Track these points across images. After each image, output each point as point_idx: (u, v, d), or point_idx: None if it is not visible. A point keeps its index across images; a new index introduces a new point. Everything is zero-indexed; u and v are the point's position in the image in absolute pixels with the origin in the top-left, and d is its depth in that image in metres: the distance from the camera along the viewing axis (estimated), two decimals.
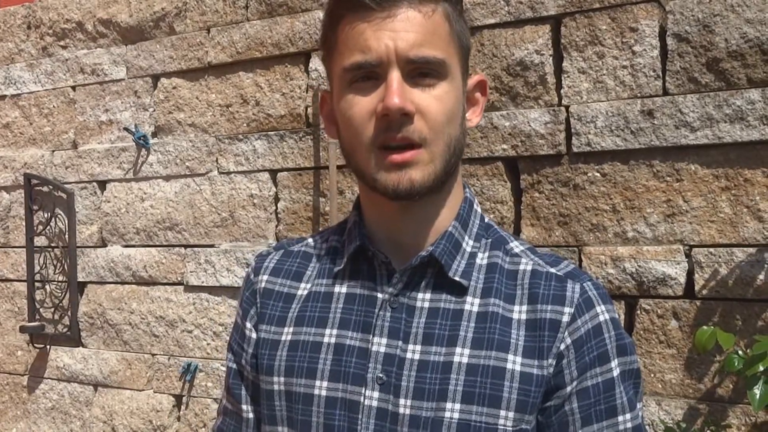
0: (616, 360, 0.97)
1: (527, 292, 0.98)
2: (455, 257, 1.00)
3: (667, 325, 2.39)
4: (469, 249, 1.01)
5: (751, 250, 2.26)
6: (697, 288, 2.35)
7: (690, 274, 2.36)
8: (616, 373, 0.97)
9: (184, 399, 3.38)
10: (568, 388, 0.95)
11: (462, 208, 1.03)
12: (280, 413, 1.02)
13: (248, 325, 1.08)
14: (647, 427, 2.39)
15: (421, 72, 0.93)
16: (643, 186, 2.43)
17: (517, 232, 2.64)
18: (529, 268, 1.01)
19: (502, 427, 0.93)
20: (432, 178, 0.95)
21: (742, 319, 2.27)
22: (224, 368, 1.14)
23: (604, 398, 0.96)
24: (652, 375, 2.41)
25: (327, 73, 1.04)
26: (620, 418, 0.96)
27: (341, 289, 1.03)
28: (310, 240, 1.12)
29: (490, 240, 1.04)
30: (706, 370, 2.33)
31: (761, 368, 1.99)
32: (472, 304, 0.98)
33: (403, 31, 0.91)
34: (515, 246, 1.04)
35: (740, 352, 2.12)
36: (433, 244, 1.00)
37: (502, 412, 0.93)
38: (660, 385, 2.39)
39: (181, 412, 3.40)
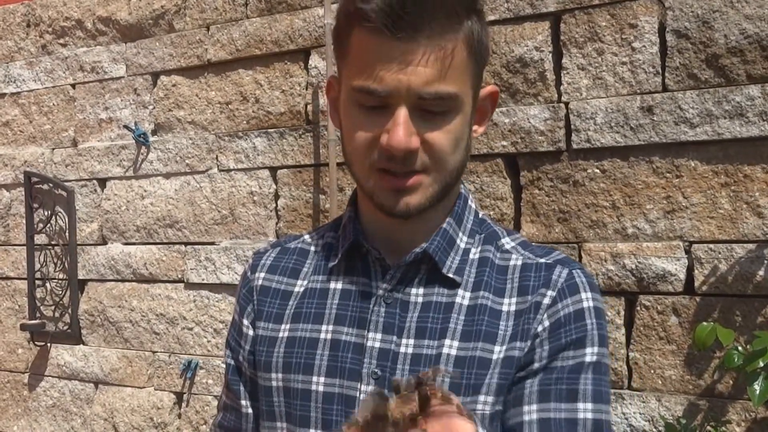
0: (592, 348, 0.95)
1: (517, 285, 0.98)
2: (449, 254, 1.00)
3: (667, 321, 2.39)
4: (463, 245, 1.02)
5: (751, 246, 2.26)
6: (696, 284, 2.34)
7: (690, 270, 2.36)
8: (587, 359, 0.94)
9: (185, 396, 3.39)
10: (536, 365, 0.94)
11: (457, 204, 1.04)
12: (279, 409, 1.02)
13: (245, 322, 1.09)
14: (648, 422, 2.39)
15: (430, 107, 0.91)
16: (642, 182, 2.43)
17: (517, 229, 2.63)
18: (519, 263, 1.01)
19: (481, 412, 0.92)
20: (429, 200, 0.95)
21: (741, 315, 2.27)
22: (224, 365, 1.14)
23: (567, 379, 0.93)
24: (652, 371, 2.41)
25: (336, 60, 1.00)
26: (580, 406, 0.92)
27: (336, 285, 1.03)
28: (307, 236, 1.13)
29: (483, 235, 1.04)
30: (706, 366, 2.33)
31: (761, 364, 1.99)
32: (463, 297, 0.98)
33: (419, 66, 0.88)
34: (507, 242, 1.04)
35: (740, 348, 2.11)
36: (427, 241, 1.00)
37: (481, 398, 0.93)
38: (660, 381, 2.39)
39: (182, 410, 3.40)
